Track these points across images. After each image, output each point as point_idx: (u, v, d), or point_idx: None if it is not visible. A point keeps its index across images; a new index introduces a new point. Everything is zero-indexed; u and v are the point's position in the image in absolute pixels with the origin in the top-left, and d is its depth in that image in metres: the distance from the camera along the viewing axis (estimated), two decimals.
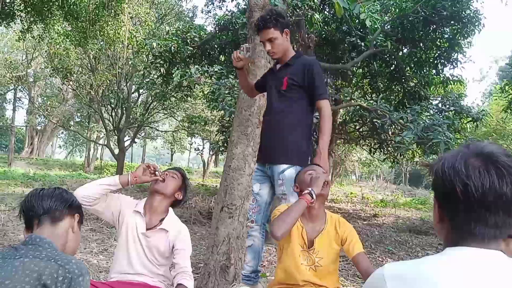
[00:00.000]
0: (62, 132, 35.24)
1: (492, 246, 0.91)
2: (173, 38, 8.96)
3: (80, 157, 39.84)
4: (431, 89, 9.55)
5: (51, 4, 9.45)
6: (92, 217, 6.64)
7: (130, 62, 15.13)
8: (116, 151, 17.31)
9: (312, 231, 2.21)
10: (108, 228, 6.55)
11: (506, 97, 9.73)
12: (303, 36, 7.33)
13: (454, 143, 5.94)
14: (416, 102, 8.44)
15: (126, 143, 18.03)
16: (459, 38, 8.14)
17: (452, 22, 7.86)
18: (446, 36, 8.42)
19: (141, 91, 18.53)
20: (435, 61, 8.72)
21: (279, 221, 2.03)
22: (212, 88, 7.64)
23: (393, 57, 8.76)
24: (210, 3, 12.98)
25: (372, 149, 10.36)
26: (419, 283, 0.88)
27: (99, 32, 10.50)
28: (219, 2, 12.61)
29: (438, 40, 8.54)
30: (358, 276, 4.86)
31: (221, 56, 9.47)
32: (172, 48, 8.67)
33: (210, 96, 8.33)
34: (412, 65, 9.07)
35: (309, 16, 6.75)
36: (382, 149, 9.73)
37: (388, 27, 8.22)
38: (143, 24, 14.04)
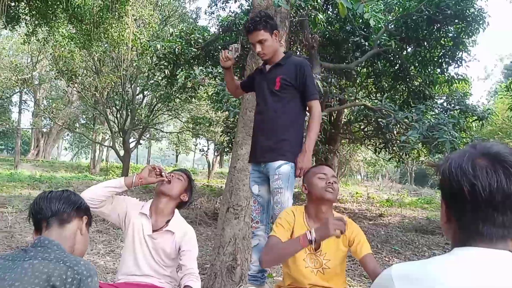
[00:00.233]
0: (68, 134, 35.45)
1: (500, 246, 0.91)
2: (177, 40, 8.99)
3: (85, 159, 40.02)
4: (436, 88, 9.52)
5: (55, 7, 9.49)
6: (99, 218, 6.67)
7: (134, 64, 15.18)
8: (122, 152, 17.38)
9: None
10: (114, 230, 6.58)
11: None
12: (306, 36, 7.33)
13: (459, 142, 5.92)
14: (421, 101, 8.41)
15: (131, 145, 18.11)
16: (464, 36, 8.11)
17: (456, 20, 7.83)
18: (450, 34, 8.39)
19: (145, 92, 18.60)
20: (440, 60, 8.68)
21: (272, 253, 2.04)
22: (216, 89, 7.66)
23: (397, 56, 8.74)
24: (213, 4, 13.01)
25: (377, 148, 10.33)
26: (426, 283, 0.87)
27: (103, 35, 10.54)
28: (222, 3, 12.64)
29: (443, 39, 8.51)
30: (364, 276, 4.86)
31: None
32: (176, 49, 8.69)
33: (214, 97, 8.33)
34: (417, 64, 9.04)
35: (312, 16, 6.75)
36: (387, 149, 9.71)
37: (392, 26, 8.19)
38: (147, 26, 14.07)
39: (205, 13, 17.25)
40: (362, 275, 4.93)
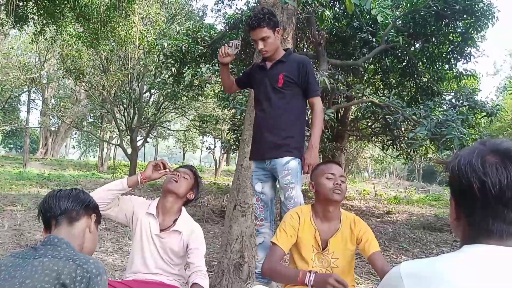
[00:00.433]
0: (76, 133, 35.65)
1: (510, 243, 0.90)
2: (184, 38, 8.99)
3: (93, 157, 40.26)
4: (444, 84, 9.44)
5: (63, 6, 9.55)
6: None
7: (141, 62, 15.23)
8: (129, 150, 17.46)
9: (327, 231, 2.20)
10: (122, 227, 6.62)
11: None
12: (313, 33, 7.30)
13: (468, 138, 5.87)
14: (429, 97, 8.35)
15: (139, 143, 18.18)
16: (472, 32, 8.01)
17: (464, 16, 7.74)
18: (458, 30, 8.29)
19: (152, 91, 18.66)
20: (448, 56, 8.60)
21: (275, 271, 2.05)
22: (223, 87, 7.65)
23: (405, 52, 8.67)
24: (220, 2, 13.00)
25: (384, 145, 10.28)
26: (434, 281, 0.87)
27: (110, 33, 10.58)
28: (229, 1, 12.64)
29: (451, 34, 8.43)
30: (372, 274, 4.84)
31: None
32: (183, 47, 8.70)
33: (221, 95, 8.36)
34: (425, 60, 8.97)
35: (319, 12, 6.71)
36: (395, 146, 9.65)
37: (400, 22, 8.13)
38: (154, 24, 14.10)
39: (212, 11, 17.28)
40: (370, 273, 4.92)
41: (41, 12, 9.72)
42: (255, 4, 9.37)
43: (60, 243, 1.45)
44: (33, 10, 9.95)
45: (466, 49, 8.36)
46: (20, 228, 6.41)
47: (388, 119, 7.86)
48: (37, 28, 10.40)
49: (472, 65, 21.38)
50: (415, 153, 9.40)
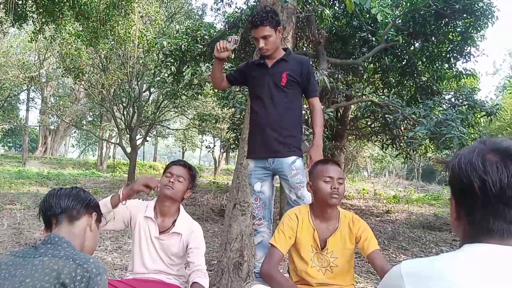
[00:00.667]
0: (75, 132, 35.64)
1: (511, 243, 0.90)
2: (183, 37, 8.98)
3: (93, 156, 40.26)
4: (444, 83, 9.44)
5: (62, 4, 9.53)
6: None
7: (141, 61, 15.19)
8: (128, 149, 17.43)
9: (325, 231, 2.20)
10: None
11: None
12: (313, 32, 7.29)
13: (467, 138, 5.88)
14: (429, 96, 8.35)
15: (138, 142, 18.13)
16: (472, 31, 8.01)
17: (464, 15, 7.74)
18: (458, 29, 8.30)
19: (152, 89, 18.62)
20: (448, 55, 8.60)
21: (272, 278, 2.05)
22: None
23: (404, 51, 8.67)
24: (219, 0, 12.98)
25: (384, 145, 10.29)
26: (435, 280, 0.87)
27: (110, 32, 10.56)
28: (228, 0, 12.61)
29: (450, 33, 8.43)
30: (371, 272, 4.85)
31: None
32: (182, 46, 8.69)
33: (220, 94, 8.34)
34: (424, 60, 8.97)
35: (319, 11, 6.71)
36: (394, 145, 9.66)
37: (399, 21, 8.13)
38: (153, 23, 14.08)
39: (211, 10, 17.26)
40: (369, 272, 4.92)
41: (40, 10, 9.70)
42: (255, 3, 9.36)
43: (60, 242, 1.45)
44: (32, 9, 9.94)
45: (465, 48, 8.36)
46: (19, 227, 6.42)
47: (388, 118, 7.86)
48: (36, 27, 10.39)
49: (471, 64, 21.35)
50: (415, 152, 9.40)
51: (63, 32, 11.23)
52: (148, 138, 21.80)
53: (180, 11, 18.31)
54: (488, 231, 0.91)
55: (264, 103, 2.75)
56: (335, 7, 8.66)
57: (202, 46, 8.81)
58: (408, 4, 8.19)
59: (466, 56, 8.47)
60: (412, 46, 9.10)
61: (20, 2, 9.47)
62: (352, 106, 10.52)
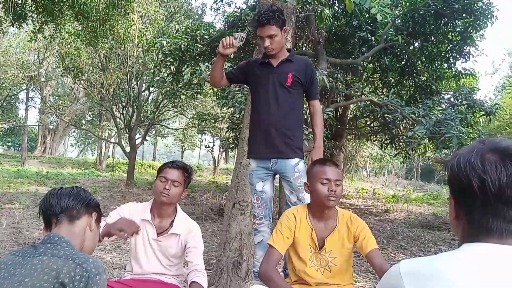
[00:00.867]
0: (74, 131, 35.60)
1: (510, 242, 0.90)
2: (183, 36, 8.98)
3: (92, 155, 40.22)
4: (443, 83, 9.45)
5: (61, 4, 9.52)
6: (105, 215, 6.71)
7: (140, 61, 15.19)
8: (128, 149, 17.42)
9: (323, 230, 2.20)
10: None
11: None
12: (312, 31, 7.30)
13: (466, 137, 5.88)
14: (428, 96, 8.36)
15: (137, 141, 18.12)
16: (471, 31, 8.02)
17: (464, 15, 7.75)
18: (458, 29, 8.31)
19: (151, 89, 18.60)
20: (447, 55, 8.61)
21: (269, 279, 2.05)
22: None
23: (404, 51, 8.68)
24: (219, 0, 12.98)
25: (383, 144, 10.30)
26: (434, 279, 0.87)
27: (109, 31, 10.54)
28: None
29: (450, 33, 8.44)
30: (370, 272, 4.85)
31: None
32: (182, 46, 8.69)
33: (220, 94, 8.33)
34: (424, 59, 8.98)
35: (319, 11, 6.71)
36: (393, 144, 9.67)
37: (399, 21, 8.13)
38: (153, 22, 14.06)
39: (211, 9, 17.23)
40: (368, 271, 4.93)
41: (39, 10, 9.69)
42: (254, 3, 9.36)
43: (60, 242, 1.45)
44: (31, 8, 9.92)
45: (465, 48, 8.37)
46: (18, 226, 6.41)
47: (387, 118, 7.87)
48: (36, 26, 10.37)
49: (471, 64, 21.39)
50: (414, 151, 9.41)
51: (63, 32, 11.21)
52: (147, 138, 21.78)
53: (180, 11, 18.30)
54: (487, 230, 0.91)
55: (269, 102, 2.74)
56: (335, 7, 8.66)
57: (201, 46, 8.80)
58: (408, 4, 8.20)
59: (466, 56, 8.48)
60: (412, 46, 9.11)
61: (19, 1, 9.46)
62: (352, 105, 10.53)
